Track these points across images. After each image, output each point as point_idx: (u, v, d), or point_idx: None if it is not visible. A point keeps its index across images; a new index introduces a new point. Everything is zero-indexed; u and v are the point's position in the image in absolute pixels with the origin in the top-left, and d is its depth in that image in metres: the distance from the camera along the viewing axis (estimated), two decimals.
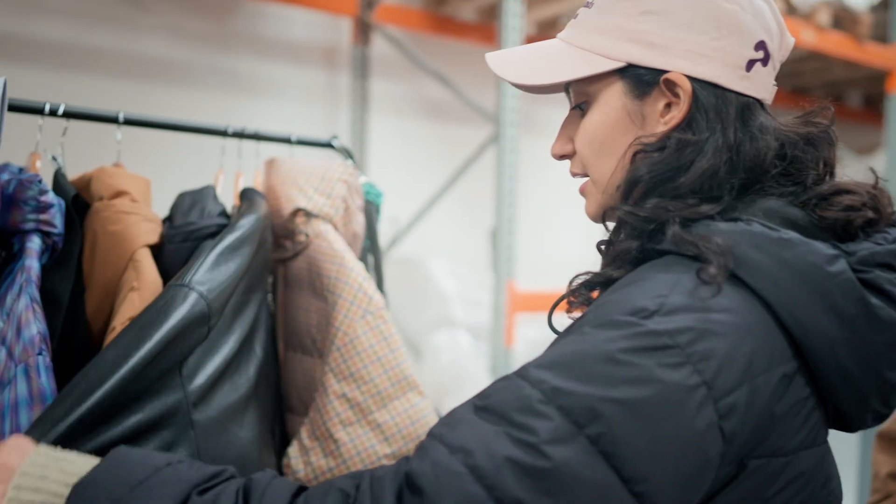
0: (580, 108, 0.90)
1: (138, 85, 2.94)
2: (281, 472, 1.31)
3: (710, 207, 0.79)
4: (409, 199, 3.55)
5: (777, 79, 0.90)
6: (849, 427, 0.82)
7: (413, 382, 1.37)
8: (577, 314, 0.86)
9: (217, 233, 1.28)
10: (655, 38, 0.83)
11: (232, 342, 1.20)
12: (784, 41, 0.89)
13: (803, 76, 4.82)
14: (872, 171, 0.86)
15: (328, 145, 1.62)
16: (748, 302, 0.74)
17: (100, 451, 0.86)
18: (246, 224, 1.25)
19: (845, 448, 2.74)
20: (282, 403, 1.46)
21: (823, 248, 0.75)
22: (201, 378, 1.11)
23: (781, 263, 0.74)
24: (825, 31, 3.72)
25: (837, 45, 3.81)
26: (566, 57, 0.88)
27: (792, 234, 0.76)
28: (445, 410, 3.03)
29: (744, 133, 0.82)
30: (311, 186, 1.45)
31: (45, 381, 1.04)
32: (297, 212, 1.43)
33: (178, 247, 1.26)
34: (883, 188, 0.83)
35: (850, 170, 0.87)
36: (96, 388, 0.95)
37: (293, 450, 1.35)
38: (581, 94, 0.89)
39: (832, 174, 0.86)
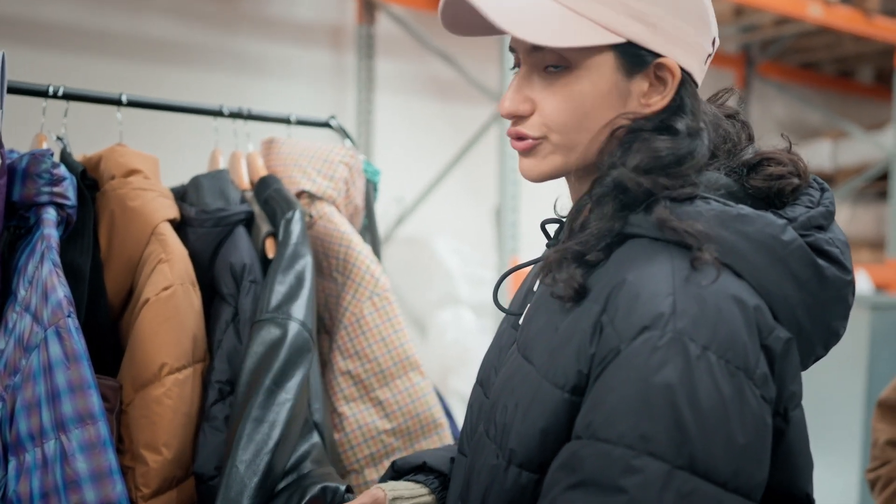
0: (551, 69, 0.86)
1: (145, 66, 2.98)
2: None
3: (692, 189, 0.82)
4: (415, 179, 3.57)
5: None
6: None
7: (415, 363, 1.42)
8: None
9: (244, 220, 1.36)
10: (659, 20, 0.83)
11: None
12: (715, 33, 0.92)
13: (813, 52, 4.77)
14: (784, 136, 0.90)
15: (326, 125, 1.64)
16: (732, 277, 0.78)
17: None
18: (296, 230, 1.34)
19: (850, 416, 2.77)
20: None
21: (774, 219, 0.80)
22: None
23: (746, 239, 0.78)
24: (833, 5, 3.69)
25: (845, 19, 3.78)
26: (563, 19, 0.83)
27: (745, 209, 0.80)
28: (449, 387, 3.04)
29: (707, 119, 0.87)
30: (313, 169, 1.48)
31: (77, 341, 1.08)
32: (300, 194, 1.47)
33: (208, 231, 1.34)
34: (796, 151, 0.88)
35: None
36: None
37: None
38: (562, 58, 0.85)
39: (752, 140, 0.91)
